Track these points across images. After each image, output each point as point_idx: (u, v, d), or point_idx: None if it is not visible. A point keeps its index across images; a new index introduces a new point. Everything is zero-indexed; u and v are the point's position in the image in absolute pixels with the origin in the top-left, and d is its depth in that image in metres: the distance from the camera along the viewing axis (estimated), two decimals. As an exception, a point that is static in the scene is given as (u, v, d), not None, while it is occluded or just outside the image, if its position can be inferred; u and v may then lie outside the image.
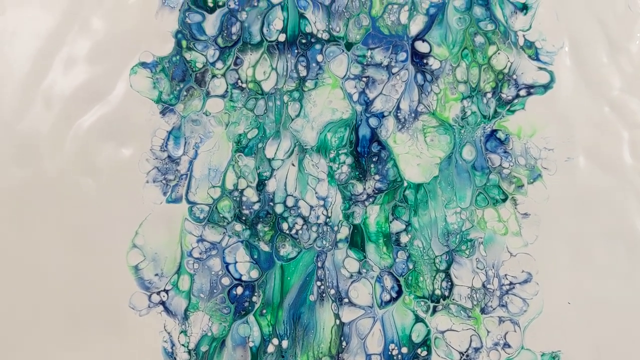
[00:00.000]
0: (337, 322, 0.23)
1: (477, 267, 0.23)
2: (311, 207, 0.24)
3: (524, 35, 0.25)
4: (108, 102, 0.24)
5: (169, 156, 0.24)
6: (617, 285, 0.24)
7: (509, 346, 0.23)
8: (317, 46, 0.24)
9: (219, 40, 0.24)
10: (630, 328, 0.23)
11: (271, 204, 0.24)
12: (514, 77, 0.25)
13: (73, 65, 0.24)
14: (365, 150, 0.24)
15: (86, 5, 0.25)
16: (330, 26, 0.24)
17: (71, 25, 0.24)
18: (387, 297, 0.23)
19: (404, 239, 0.23)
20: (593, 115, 0.25)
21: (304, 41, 0.24)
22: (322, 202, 0.24)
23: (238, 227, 0.23)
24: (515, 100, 0.25)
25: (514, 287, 0.23)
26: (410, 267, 0.23)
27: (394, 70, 0.24)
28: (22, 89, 0.24)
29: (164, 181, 0.23)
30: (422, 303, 0.23)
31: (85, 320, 0.23)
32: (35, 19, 0.24)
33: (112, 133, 0.24)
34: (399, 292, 0.23)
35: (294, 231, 0.23)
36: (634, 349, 0.23)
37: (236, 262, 0.23)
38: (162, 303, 0.23)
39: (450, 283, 0.23)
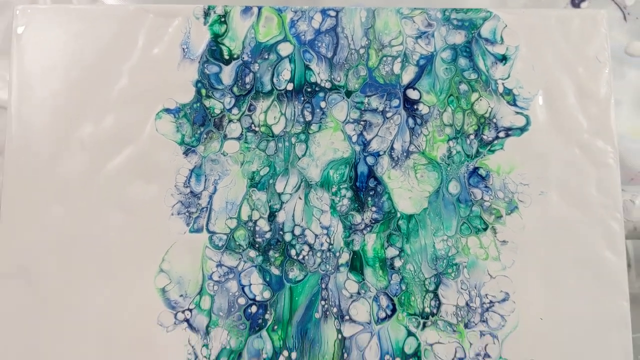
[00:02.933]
0: (339, 336, 0.25)
1: (462, 288, 0.26)
2: (316, 235, 0.26)
3: (503, 84, 0.27)
4: (136, 145, 0.26)
5: (191, 191, 0.26)
6: (584, 304, 0.26)
7: (489, 356, 0.25)
8: (321, 94, 0.27)
9: (234, 89, 0.27)
10: (593, 341, 0.26)
11: (281, 232, 0.26)
12: (494, 120, 0.27)
13: (105, 114, 0.26)
14: (363, 185, 0.26)
15: (114, 59, 0.27)
16: (332, 76, 0.27)
17: (102, 77, 0.27)
18: (383, 315, 0.25)
19: (398, 263, 0.26)
20: (564, 155, 0.27)
21: (309, 90, 0.27)
22: (325, 231, 0.26)
23: (252, 253, 0.26)
24: (495, 141, 0.27)
25: (493, 305, 0.26)
26: (403, 288, 0.26)
27: (388, 114, 0.27)
28: (59, 136, 0.26)
29: (187, 213, 0.26)
30: (414, 319, 0.25)
31: (119, 338, 0.25)
32: (69, 71, 0.27)
33: (140, 172, 0.26)
34: (394, 310, 0.25)
35: (301, 257, 0.26)
36: (594, 357, 0.26)
37: (251, 285, 0.25)
38: (187, 320, 0.25)
39: (438, 302, 0.26)
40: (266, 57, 0.27)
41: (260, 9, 0.27)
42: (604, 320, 0.26)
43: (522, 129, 0.27)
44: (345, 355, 0.25)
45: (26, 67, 0.26)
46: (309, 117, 0.27)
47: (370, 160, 0.27)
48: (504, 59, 0.27)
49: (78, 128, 0.26)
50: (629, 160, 0.40)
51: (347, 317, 0.25)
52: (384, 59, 0.27)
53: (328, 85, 0.27)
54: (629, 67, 0.42)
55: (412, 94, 0.27)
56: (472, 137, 0.27)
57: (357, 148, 0.27)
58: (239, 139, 0.26)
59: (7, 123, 0.26)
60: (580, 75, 0.27)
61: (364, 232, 0.26)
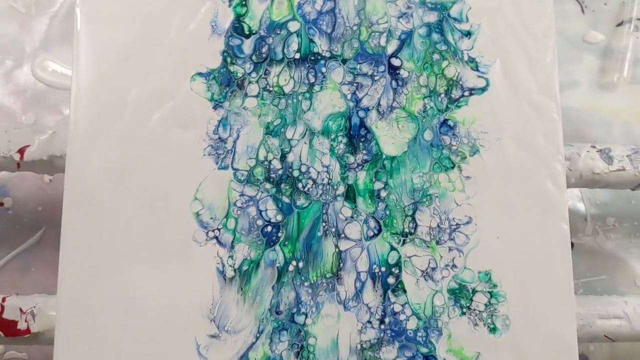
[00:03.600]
0: (337, 250, 0.31)
1: (434, 213, 0.32)
2: (318, 172, 0.32)
3: (467, 53, 0.33)
4: (175, 101, 0.32)
5: (219, 137, 0.32)
6: (532, 226, 0.31)
7: (456, 266, 0.31)
8: (322, 61, 0.33)
9: (253, 57, 0.33)
10: (539, 255, 0.32)
11: (290, 170, 0.32)
12: (460, 82, 0.33)
13: (151, 77, 0.32)
14: (355, 133, 0.32)
15: (159, 33, 0.32)
16: (331, 48, 0.33)
17: (149, 48, 0.33)
18: (371, 234, 0.31)
19: (383, 194, 0.32)
20: (516, 110, 0.32)
21: (312, 58, 0.33)
22: (325, 169, 0.32)
23: (267, 185, 0.32)
24: (461, 99, 0.33)
25: (459, 227, 0.32)
26: (387, 213, 0.32)
27: (376, 78, 0.33)
28: (114, 96, 0.32)
29: (215, 155, 0.32)
30: (396, 237, 0.31)
31: (163, 250, 0.30)
32: (124, 44, 0.34)
33: (178, 122, 0.31)
34: (379, 230, 0.31)
35: (306, 189, 0.32)
36: (540, 268, 0.32)
37: (266, 210, 0.31)
38: (216, 237, 0.31)
39: (415, 224, 0.32)
40: (278, 32, 0.33)
41: (273, -6, 0.34)
42: (548, 237, 0.32)
43: (483, 89, 0.33)
44: (341, 264, 0.31)
45: (87, 41, 0.33)
46: (312, 80, 0.33)
47: (361, 113, 0.33)
48: (468, 34, 0.34)
49: (130, 89, 0.32)
50: (586, 132, 0.47)
51: (342, 235, 0.31)
52: (373, 34, 0.34)
53: (328, 54, 0.33)
54: (587, 52, 0.49)
55: (395, 62, 0.33)
56: (442, 95, 0.33)
57: (351, 104, 0.33)
58: (256, 96, 0.32)
59: (72, 88, 0.33)
60: (530, 47, 0.33)
61: (356, 169, 0.32)
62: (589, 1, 0.49)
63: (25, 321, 0.34)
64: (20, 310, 0.34)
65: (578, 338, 0.34)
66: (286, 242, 0.31)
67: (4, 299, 0.35)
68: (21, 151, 0.35)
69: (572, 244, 0.45)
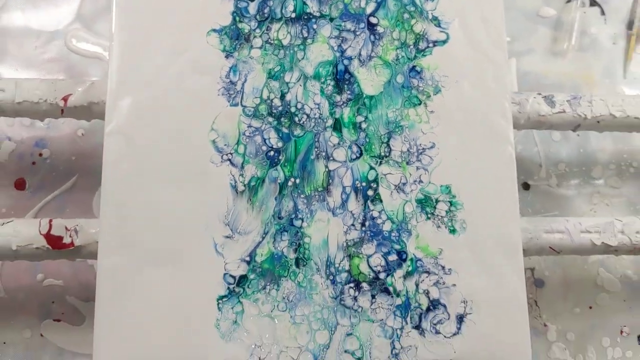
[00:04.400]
0: (326, 169, 0.37)
1: (404, 140, 0.38)
2: (311, 108, 0.38)
3: (431, 13, 0.40)
4: (194, 51, 0.38)
5: (230, 81, 0.38)
6: (483, 149, 0.37)
7: (422, 182, 0.37)
8: (313, 20, 0.39)
9: (257, 16, 0.39)
10: (489, 173, 0.38)
11: (288, 106, 0.38)
12: (426, 36, 0.40)
13: (173, 32, 0.40)
14: (341, 77, 0.38)
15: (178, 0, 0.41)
16: (321, 9, 0.40)
17: (172, 8, 0.40)
18: (354, 156, 0.37)
19: (364, 125, 0.38)
20: (471, 57, 0.39)
21: (305, 17, 0.39)
22: (317, 106, 0.38)
23: (270, 119, 0.38)
24: (427, 49, 0.39)
25: (424, 150, 0.38)
26: (367, 140, 0.37)
27: (357, 33, 0.39)
28: (143, 51, 0.41)
29: (227, 94, 0.39)
30: (374, 159, 0.37)
31: (185, 170, 0.36)
32: (160, 13, 0.41)
33: (197, 69, 0.37)
34: (361, 154, 0.37)
35: (302, 121, 0.37)
36: (490, 182, 0.39)
37: (270, 138, 0.37)
38: (229, 159, 0.37)
39: (389, 149, 0.38)
40: None
41: (273, -34, 0.42)
42: (496, 158, 0.38)
43: (444, 42, 0.39)
44: (330, 181, 0.37)
45: (122, 10, 0.41)
46: (305, 35, 0.39)
47: (345, 62, 0.39)
48: (432, -2, 0.42)
49: (157, 44, 0.39)
50: (541, 92, 0.55)
51: (331, 158, 0.37)
52: None
53: (318, 14, 0.39)
54: (541, 25, 0.56)
55: (373, 20, 0.40)
56: (411, 47, 0.40)
57: (337, 54, 0.39)
58: (260, 48, 0.39)
59: (110, 46, 0.40)
60: (484, 7, 0.41)
61: (342, 106, 0.38)
62: (543, -19, 0.57)
63: (70, 237, 0.41)
64: (65, 227, 0.41)
65: (528, 250, 0.42)
66: (286, 164, 0.38)
67: (51, 220, 0.42)
68: (65, 99, 0.42)
69: (529, 186, 0.53)
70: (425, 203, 0.38)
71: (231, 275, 0.37)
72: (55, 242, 0.41)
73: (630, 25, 0.55)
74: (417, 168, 0.38)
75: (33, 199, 0.49)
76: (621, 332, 0.49)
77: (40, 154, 0.50)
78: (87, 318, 0.47)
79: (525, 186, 0.52)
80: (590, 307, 0.48)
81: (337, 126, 0.38)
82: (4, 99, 0.42)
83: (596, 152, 0.51)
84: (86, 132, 0.51)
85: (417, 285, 0.37)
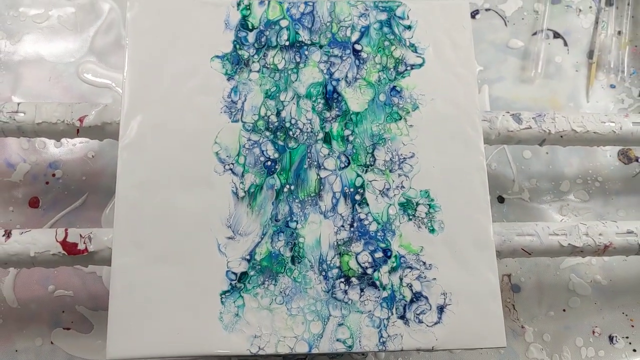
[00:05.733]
0: (318, 177, 0.40)
1: (387, 151, 0.44)
2: (304, 123, 0.42)
3: (409, 40, 0.45)
4: (200, 76, 0.44)
5: (231, 100, 0.44)
6: (457, 158, 0.42)
7: (404, 187, 0.40)
8: (305, 47, 0.45)
9: (255, 44, 0.45)
10: (463, 178, 0.44)
11: (284, 122, 0.42)
12: (404, 60, 0.45)
13: (181, 58, 0.46)
14: (330, 96, 0.42)
15: (186, 31, 0.46)
16: (311, 38, 0.47)
17: (180, 38, 0.46)
18: (342, 165, 0.42)
19: (351, 138, 0.41)
20: (444, 78, 0.43)
21: (298, 45, 0.45)
22: (309, 121, 0.44)
23: (267, 133, 0.42)
24: (405, 72, 0.44)
25: (405, 160, 0.43)
26: (354, 151, 0.41)
27: (344, 58, 0.45)
28: (153, 75, 0.46)
29: (229, 112, 0.44)
30: (360, 168, 0.41)
31: (194, 179, 0.40)
32: (168, 38, 0.47)
33: (202, 90, 0.42)
34: (349, 163, 0.41)
35: (295, 135, 0.42)
36: (464, 187, 0.44)
37: (267, 150, 0.42)
38: (230, 169, 0.41)
39: (374, 158, 0.42)
40: (273, 27, 0.45)
41: (269, 1, 0.47)
42: (469, 166, 0.43)
43: (421, 65, 0.44)
44: (322, 187, 0.42)
45: (134, 39, 0.46)
46: (298, 60, 0.44)
47: (334, 83, 0.44)
48: (409, 27, 0.47)
49: (166, 69, 0.44)
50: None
51: (322, 167, 0.41)
52: (341, 28, 0.46)
53: (309, 42, 0.44)
54: (510, 55, 0.62)
55: (357, 47, 0.44)
56: (392, 69, 0.45)
57: (327, 76, 0.44)
58: (258, 71, 0.43)
59: (123, 71, 0.45)
60: (454, 35, 0.46)
61: (331, 121, 0.42)
62: (510, 16, 0.64)
63: (84, 243, 0.45)
64: (80, 235, 0.45)
65: (502, 252, 0.46)
66: (281, 172, 0.41)
67: (66, 229, 0.46)
68: (81, 119, 0.47)
69: (504, 199, 0.57)
70: (407, 206, 0.42)
71: (233, 272, 0.40)
72: (70, 249, 0.44)
73: (590, 54, 0.60)
74: (399, 175, 0.42)
75: (46, 216, 0.53)
76: (593, 332, 0.52)
77: (54, 174, 0.54)
78: (95, 326, 0.51)
79: (500, 199, 0.56)
80: (564, 310, 0.52)
81: (327, 139, 0.42)
82: (24, 120, 0.47)
83: (564, 167, 0.56)
84: (96, 154, 0.55)
85: (401, 280, 0.41)
